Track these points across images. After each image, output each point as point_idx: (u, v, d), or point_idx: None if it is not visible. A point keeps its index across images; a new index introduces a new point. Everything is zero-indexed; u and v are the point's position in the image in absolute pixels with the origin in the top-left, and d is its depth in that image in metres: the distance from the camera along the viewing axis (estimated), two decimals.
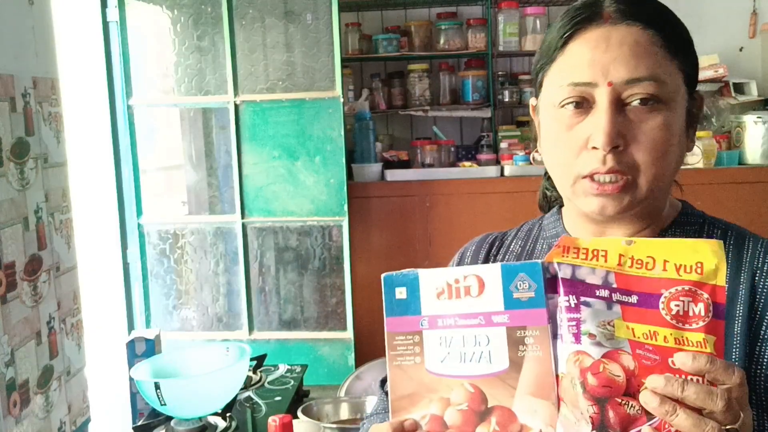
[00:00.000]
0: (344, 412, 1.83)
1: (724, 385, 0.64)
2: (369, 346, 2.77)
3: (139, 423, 1.73)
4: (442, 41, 3.21)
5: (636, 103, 0.81)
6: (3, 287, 1.77)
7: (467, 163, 3.07)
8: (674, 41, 0.82)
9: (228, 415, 1.71)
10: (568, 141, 0.84)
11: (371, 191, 2.95)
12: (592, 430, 0.64)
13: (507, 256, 1.01)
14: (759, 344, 0.81)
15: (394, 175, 3.00)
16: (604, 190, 0.82)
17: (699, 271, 0.66)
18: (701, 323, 0.66)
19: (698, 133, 0.99)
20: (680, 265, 0.67)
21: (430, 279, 0.74)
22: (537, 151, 0.94)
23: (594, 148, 0.81)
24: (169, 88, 2.85)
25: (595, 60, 0.81)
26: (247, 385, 1.96)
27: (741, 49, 3.30)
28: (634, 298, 0.68)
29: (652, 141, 0.80)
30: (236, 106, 2.78)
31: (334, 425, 1.69)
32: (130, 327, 2.96)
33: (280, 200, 2.82)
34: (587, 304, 0.68)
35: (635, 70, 0.79)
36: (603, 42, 0.81)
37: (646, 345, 0.66)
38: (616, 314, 0.68)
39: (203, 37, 2.80)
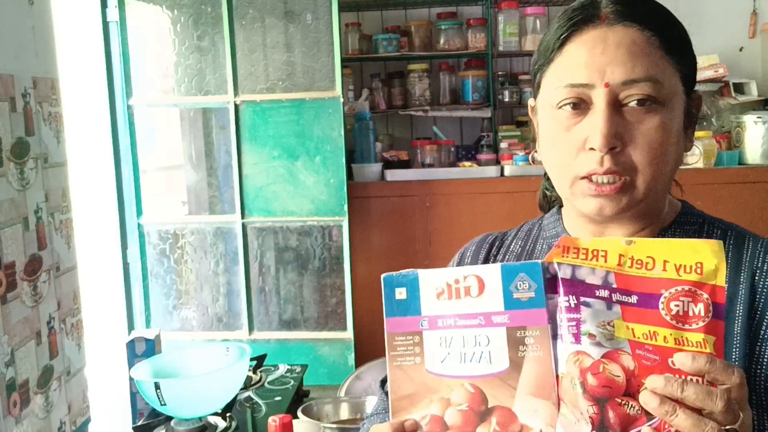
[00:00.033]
0: (344, 412, 1.83)
1: (723, 385, 0.64)
2: (369, 346, 2.77)
3: (139, 423, 1.73)
4: (442, 41, 3.21)
5: (633, 104, 0.81)
6: (3, 287, 1.77)
7: (467, 163, 3.07)
8: (672, 42, 0.82)
9: (228, 415, 1.71)
10: (566, 142, 0.84)
11: (371, 191, 2.95)
12: (592, 430, 0.64)
13: (507, 256, 1.01)
14: (759, 344, 0.81)
15: (394, 175, 3.00)
16: (601, 190, 0.82)
17: (699, 271, 0.66)
18: (701, 323, 0.66)
19: (698, 133, 0.99)
20: (680, 266, 0.67)
21: (429, 279, 0.74)
22: (536, 151, 0.94)
23: (591, 149, 0.81)
24: (169, 88, 2.85)
25: (592, 61, 0.81)
26: (247, 385, 1.96)
27: (741, 49, 3.30)
28: (633, 299, 0.68)
29: (649, 142, 0.81)
30: (236, 106, 2.78)
31: (334, 425, 1.69)
32: (130, 327, 2.96)
33: (280, 200, 2.82)
34: (587, 305, 0.68)
35: (632, 71, 0.80)
36: (600, 43, 0.81)
37: (645, 345, 0.66)
38: (616, 314, 0.68)
39: (203, 37, 2.80)
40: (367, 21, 3.36)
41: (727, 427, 0.63)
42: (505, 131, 3.19)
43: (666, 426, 0.63)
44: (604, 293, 0.68)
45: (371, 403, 1.80)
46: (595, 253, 0.70)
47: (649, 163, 0.81)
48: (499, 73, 3.28)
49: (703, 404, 0.63)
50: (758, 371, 0.80)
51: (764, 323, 0.81)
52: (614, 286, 0.68)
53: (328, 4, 2.72)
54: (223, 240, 2.91)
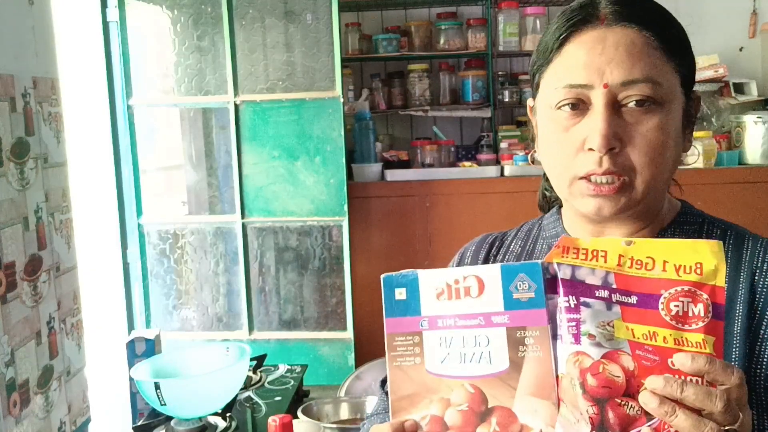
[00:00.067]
0: (344, 412, 1.83)
1: (723, 385, 0.64)
2: (369, 346, 2.77)
3: (139, 423, 1.73)
4: (442, 41, 3.21)
5: (632, 104, 0.81)
6: (3, 287, 1.77)
7: (467, 163, 3.07)
8: (670, 42, 0.82)
9: (228, 415, 1.71)
10: (565, 142, 0.84)
11: (371, 191, 2.95)
12: (592, 430, 0.64)
13: (507, 257, 1.01)
14: (759, 344, 0.81)
15: (394, 175, 3.00)
16: (600, 191, 0.82)
17: (698, 271, 0.66)
18: (701, 324, 0.66)
19: (698, 134, 0.99)
20: (680, 266, 0.67)
21: (429, 279, 0.74)
22: (536, 151, 0.94)
23: (590, 149, 0.81)
24: (169, 88, 2.85)
25: (590, 62, 0.81)
26: (247, 385, 1.96)
27: (741, 49, 3.30)
28: (633, 299, 0.68)
29: (648, 142, 0.81)
30: (236, 106, 2.78)
31: (334, 425, 1.69)
32: (130, 327, 2.96)
33: (280, 200, 2.82)
34: (587, 305, 0.68)
35: (631, 72, 0.80)
36: (599, 44, 0.81)
37: (645, 345, 0.66)
38: (616, 315, 0.68)
39: (203, 37, 2.80)
40: (367, 21, 3.36)
41: (727, 428, 0.63)
42: (505, 131, 3.19)
43: (666, 426, 0.63)
44: (604, 293, 0.68)
45: (371, 403, 1.80)
46: (594, 253, 0.70)
47: (647, 163, 0.81)
48: (499, 73, 3.28)
49: (702, 405, 0.63)
50: (758, 371, 0.80)
51: (764, 323, 0.81)
52: (614, 286, 0.68)
53: (328, 4, 2.72)
54: (223, 240, 2.91)
